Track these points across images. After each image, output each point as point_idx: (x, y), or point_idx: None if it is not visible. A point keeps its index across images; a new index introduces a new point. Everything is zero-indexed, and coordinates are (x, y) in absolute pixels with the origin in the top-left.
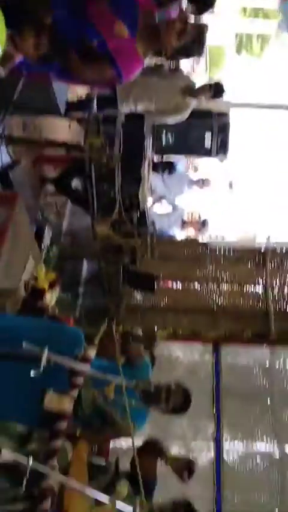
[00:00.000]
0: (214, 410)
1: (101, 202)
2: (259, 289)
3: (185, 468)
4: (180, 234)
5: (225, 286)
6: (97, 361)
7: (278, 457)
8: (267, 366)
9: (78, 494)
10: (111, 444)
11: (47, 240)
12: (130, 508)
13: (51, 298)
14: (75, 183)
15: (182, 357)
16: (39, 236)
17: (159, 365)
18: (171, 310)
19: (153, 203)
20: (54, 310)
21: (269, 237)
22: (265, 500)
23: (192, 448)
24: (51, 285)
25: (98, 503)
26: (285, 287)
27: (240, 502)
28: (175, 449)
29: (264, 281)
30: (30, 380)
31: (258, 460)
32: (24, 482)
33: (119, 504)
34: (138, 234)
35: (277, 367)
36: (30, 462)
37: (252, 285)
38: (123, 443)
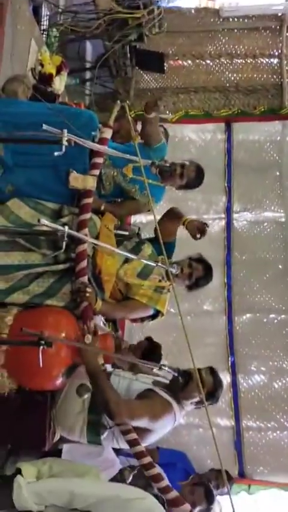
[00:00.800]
0: (226, 184)
1: None
2: (274, 61)
3: (198, 227)
4: (190, 2)
5: (238, 61)
6: (114, 144)
7: (284, 220)
8: (278, 139)
9: (108, 257)
10: (133, 219)
11: (45, 20)
12: (153, 264)
13: (60, 83)
14: None
15: (194, 138)
16: (36, 17)
17: (172, 148)
18: (182, 91)
19: None
20: (65, 97)
21: None
22: (270, 257)
23: (206, 219)
24: (58, 70)
25: (125, 262)
26: None
27: (248, 261)
28: None
29: (279, 51)
30: (54, 163)
31: (266, 224)
32: (64, 245)
33: (144, 261)
34: (143, 5)
35: None
36: (66, 229)
37: (267, 58)
38: (142, 218)
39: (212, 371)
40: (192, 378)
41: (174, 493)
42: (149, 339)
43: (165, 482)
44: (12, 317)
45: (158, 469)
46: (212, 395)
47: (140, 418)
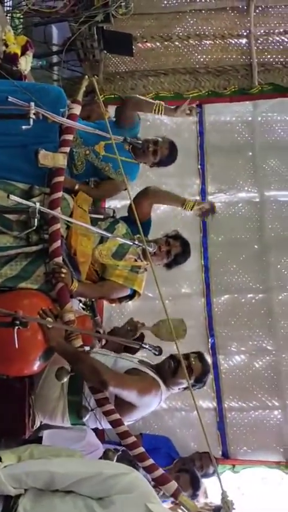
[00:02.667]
0: (199, 166)
1: None
2: (243, 41)
3: (209, 210)
4: None
5: (207, 42)
6: (84, 122)
7: (258, 200)
8: (250, 119)
9: (83, 238)
10: (107, 204)
11: (9, 1)
12: (129, 242)
13: (26, 63)
14: None
15: (166, 121)
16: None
17: (144, 131)
18: (151, 73)
19: None
20: (30, 77)
21: None
22: (246, 238)
23: None
24: (24, 50)
25: (100, 243)
26: (270, 36)
27: (224, 242)
28: (164, 206)
29: (248, 31)
30: (23, 142)
31: (240, 205)
32: (36, 222)
33: (120, 239)
34: None
35: (259, 119)
36: (38, 205)
37: (236, 38)
38: (117, 203)
39: (201, 357)
40: (181, 365)
41: (160, 471)
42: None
43: (150, 461)
44: None
45: (142, 449)
46: (200, 380)
47: (129, 389)
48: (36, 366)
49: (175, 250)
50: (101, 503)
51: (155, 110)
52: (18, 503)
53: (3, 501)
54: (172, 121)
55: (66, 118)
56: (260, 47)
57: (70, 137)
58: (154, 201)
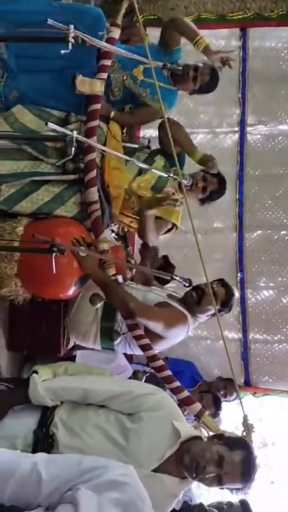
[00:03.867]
0: (240, 94)
1: None
2: None
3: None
4: None
5: None
6: (123, 46)
7: None
8: None
9: (116, 171)
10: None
11: None
12: (165, 175)
13: None
14: None
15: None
16: None
17: (184, 55)
18: None
19: None
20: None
21: None
22: (284, 173)
23: (218, 133)
24: None
25: (138, 175)
26: None
27: (261, 176)
28: (201, 136)
29: None
30: (61, 67)
31: (280, 138)
32: (72, 152)
33: (158, 172)
34: None
35: None
36: (75, 133)
37: None
38: (152, 132)
39: (223, 282)
40: (205, 292)
41: (185, 393)
42: (165, 257)
43: (177, 383)
44: (23, 228)
45: (169, 372)
46: (226, 304)
47: (156, 321)
48: (71, 291)
49: (211, 187)
50: (130, 419)
51: (194, 42)
52: (54, 413)
53: (41, 411)
54: (214, 46)
55: (105, 42)
56: None
57: (108, 62)
58: None
